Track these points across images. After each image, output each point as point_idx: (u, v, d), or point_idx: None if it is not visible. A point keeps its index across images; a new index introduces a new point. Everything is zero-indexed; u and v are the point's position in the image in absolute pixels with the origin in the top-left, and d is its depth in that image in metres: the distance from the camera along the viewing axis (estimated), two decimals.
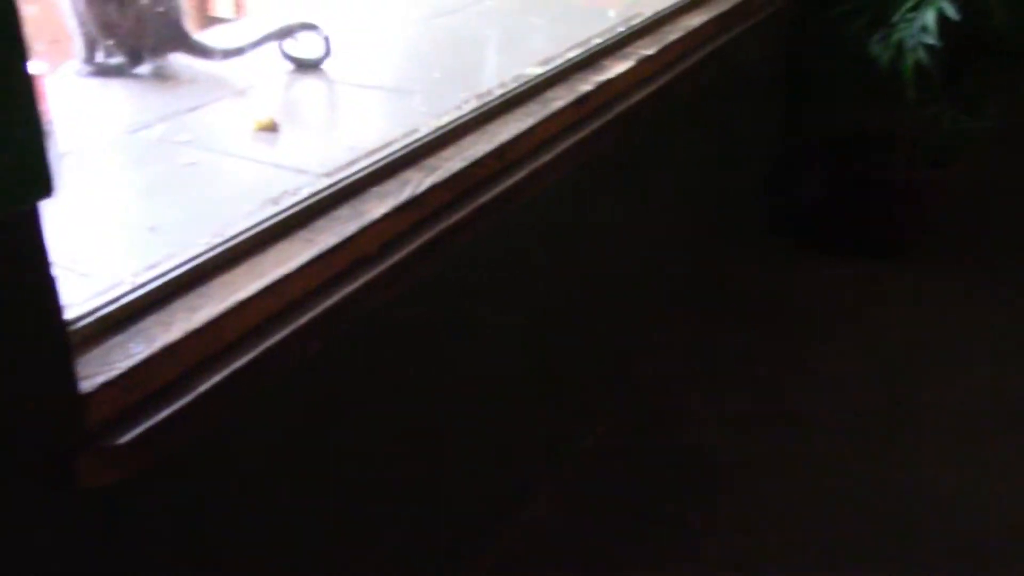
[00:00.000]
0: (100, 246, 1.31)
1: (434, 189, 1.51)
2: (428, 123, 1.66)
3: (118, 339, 1.11)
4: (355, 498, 1.59)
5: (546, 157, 1.72)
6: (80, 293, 1.13)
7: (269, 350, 1.18)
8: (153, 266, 1.22)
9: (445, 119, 1.68)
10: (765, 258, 3.16)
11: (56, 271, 0.96)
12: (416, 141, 1.59)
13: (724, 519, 2.13)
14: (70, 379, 0.99)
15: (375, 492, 1.63)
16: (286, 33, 1.96)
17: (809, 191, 3.26)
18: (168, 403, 1.07)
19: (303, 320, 1.23)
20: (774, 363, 2.65)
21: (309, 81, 1.96)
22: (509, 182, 1.63)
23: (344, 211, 1.43)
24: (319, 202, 1.42)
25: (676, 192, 2.57)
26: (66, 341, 0.99)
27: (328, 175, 1.50)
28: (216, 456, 1.22)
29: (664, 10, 2.32)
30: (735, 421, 2.43)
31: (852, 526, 2.10)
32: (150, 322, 1.15)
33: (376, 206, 1.44)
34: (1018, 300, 2.93)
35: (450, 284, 1.66)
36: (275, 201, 1.41)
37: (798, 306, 2.94)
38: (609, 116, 1.91)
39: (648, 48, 2.13)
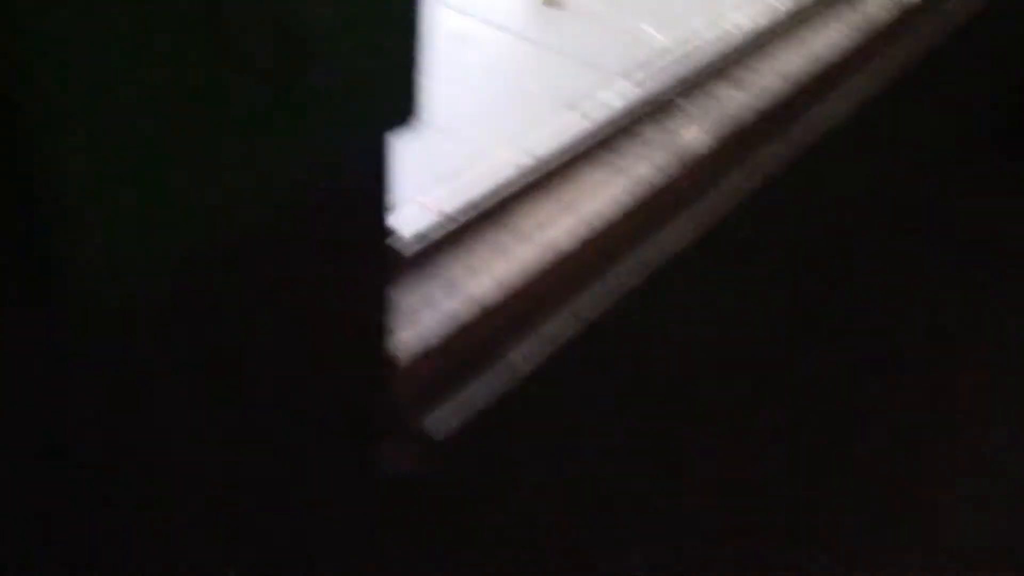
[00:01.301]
0: None
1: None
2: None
3: (420, 285, 0.91)
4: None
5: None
6: None
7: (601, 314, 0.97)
8: (449, 178, 1.00)
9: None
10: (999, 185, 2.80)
11: None
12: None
13: None
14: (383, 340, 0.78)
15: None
16: None
17: None
18: (488, 376, 0.87)
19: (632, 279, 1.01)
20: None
21: None
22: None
23: (649, 131, 1.19)
24: (624, 116, 1.18)
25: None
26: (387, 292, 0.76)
27: (624, 75, 1.25)
28: (525, 436, 1.02)
29: None
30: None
31: None
32: (451, 263, 0.94)
33: (687, 128, 1.20)
34: None
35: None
36: (571, 105, 1.18)
37: None
38: None
39: None
